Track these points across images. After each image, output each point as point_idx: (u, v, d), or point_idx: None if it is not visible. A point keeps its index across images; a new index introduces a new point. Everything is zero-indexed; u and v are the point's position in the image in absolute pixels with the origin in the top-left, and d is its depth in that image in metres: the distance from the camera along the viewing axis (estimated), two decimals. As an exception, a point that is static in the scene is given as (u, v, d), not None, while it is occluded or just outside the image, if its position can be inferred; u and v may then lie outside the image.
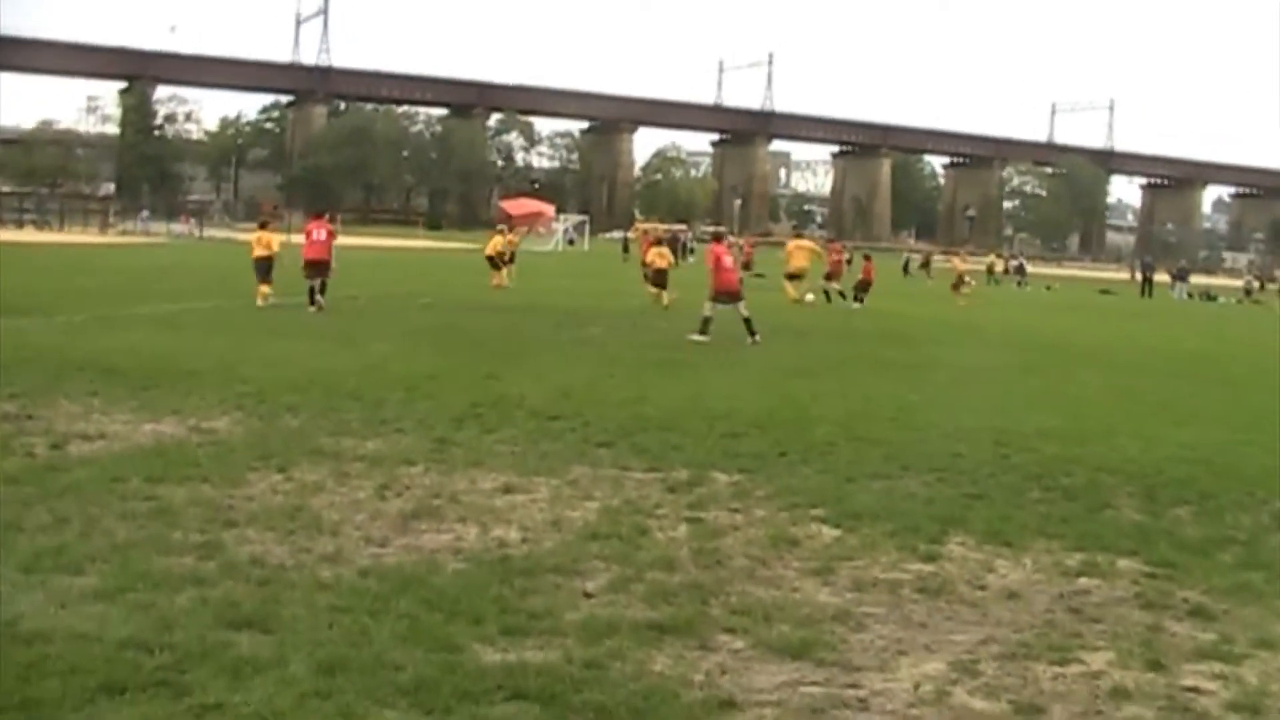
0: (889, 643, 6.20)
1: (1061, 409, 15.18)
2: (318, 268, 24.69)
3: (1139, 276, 68.91)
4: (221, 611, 5.96)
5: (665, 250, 31.90)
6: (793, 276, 34.51)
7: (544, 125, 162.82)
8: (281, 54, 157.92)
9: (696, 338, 21.33)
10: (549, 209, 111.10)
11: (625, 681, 5.39)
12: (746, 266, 43.39)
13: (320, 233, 25.44)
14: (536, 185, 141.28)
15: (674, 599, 6.62)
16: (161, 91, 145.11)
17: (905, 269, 71.41)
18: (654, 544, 7.75)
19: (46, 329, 18.52)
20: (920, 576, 7.35)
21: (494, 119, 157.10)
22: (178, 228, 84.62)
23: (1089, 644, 6.31)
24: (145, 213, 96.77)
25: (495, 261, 36.55)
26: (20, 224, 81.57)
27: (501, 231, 39.38)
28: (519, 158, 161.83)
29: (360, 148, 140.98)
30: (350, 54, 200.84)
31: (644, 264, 34.09)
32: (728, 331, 21.52)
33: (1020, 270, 70.67)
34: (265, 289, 24.92)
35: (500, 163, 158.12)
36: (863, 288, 35.45)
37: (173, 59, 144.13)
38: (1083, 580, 7.48)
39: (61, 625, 5.63)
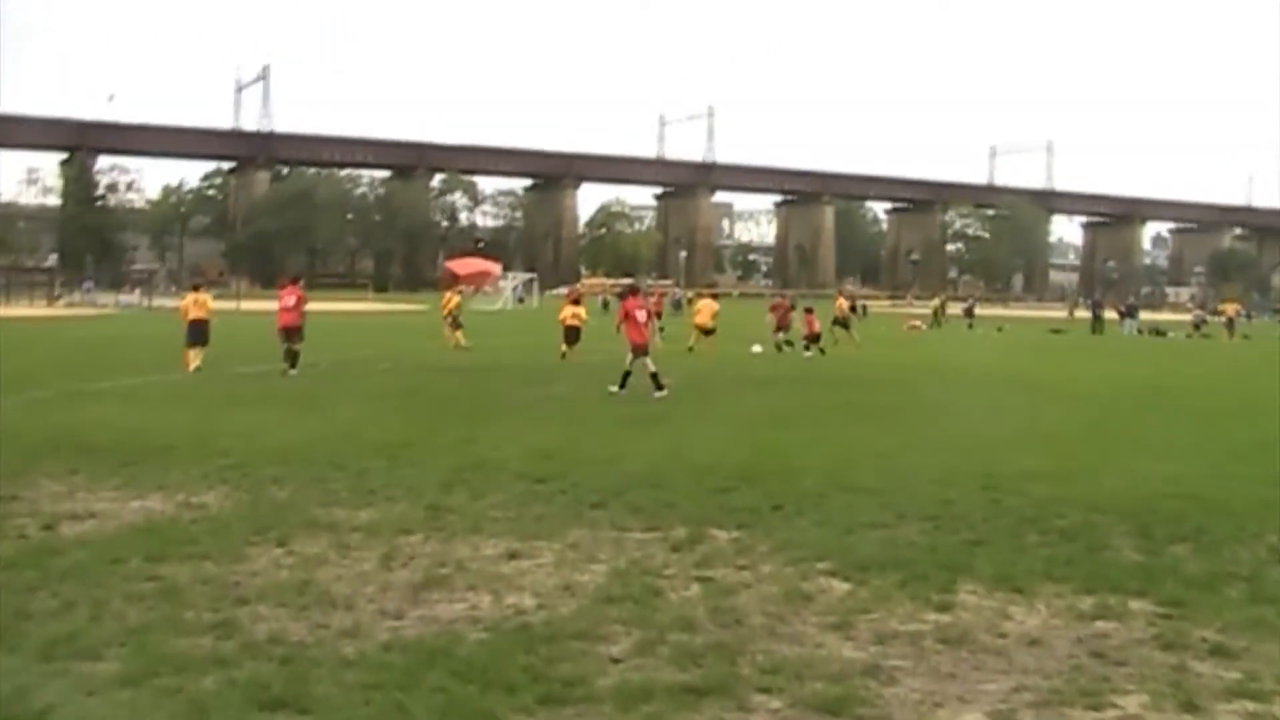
0: (923, 695, 6.19)
1: (1041, 448, 15.27)
2: (290, 334, 24.93)
3: (1089, 314, 69.45)
4: (252, 693, 5.89)
5: (579, 310, 32.94)
6: (705, 331, 35.27)
7: (487, 184, 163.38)
8: (223, 120, 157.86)
9: (614, 390, 21.52)
10: (495, 267, 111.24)
11: (673, 748, 5.37)
12: (657, 315, 43.71)
13: (290, 299, 25.47)
14: (481, 244, 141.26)
15: (701, 660, 6.59)
16: (102, 161, 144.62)
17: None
18: (669, 605, 7.71)
19: (13, 407, 18.29)
20: (939, 627, 7.35)
21: (437, 179, 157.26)
22: (124, 298, 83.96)
23: (1119, 687, 6.34)
24: (89, 284, 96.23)
25: (456, 320, 36.44)
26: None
27: (460, 291, 39.43)
28: (463, 217, 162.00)
29: (303, 212, 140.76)
30: (291, 119, 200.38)
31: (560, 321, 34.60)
32: (691, 384, 21.54)
33: (969, 312, 71.02)
34: (194, 354, 25.19)
35: (444, 223, 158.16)
36: (813, 339, 35.76)
37: (112, 128, 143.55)
38: (1099, 623, 7.50)
39: (93, 715, 5.54)
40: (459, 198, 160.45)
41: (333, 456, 13.47)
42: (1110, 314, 68.91)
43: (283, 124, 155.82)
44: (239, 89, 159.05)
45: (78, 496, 11.06)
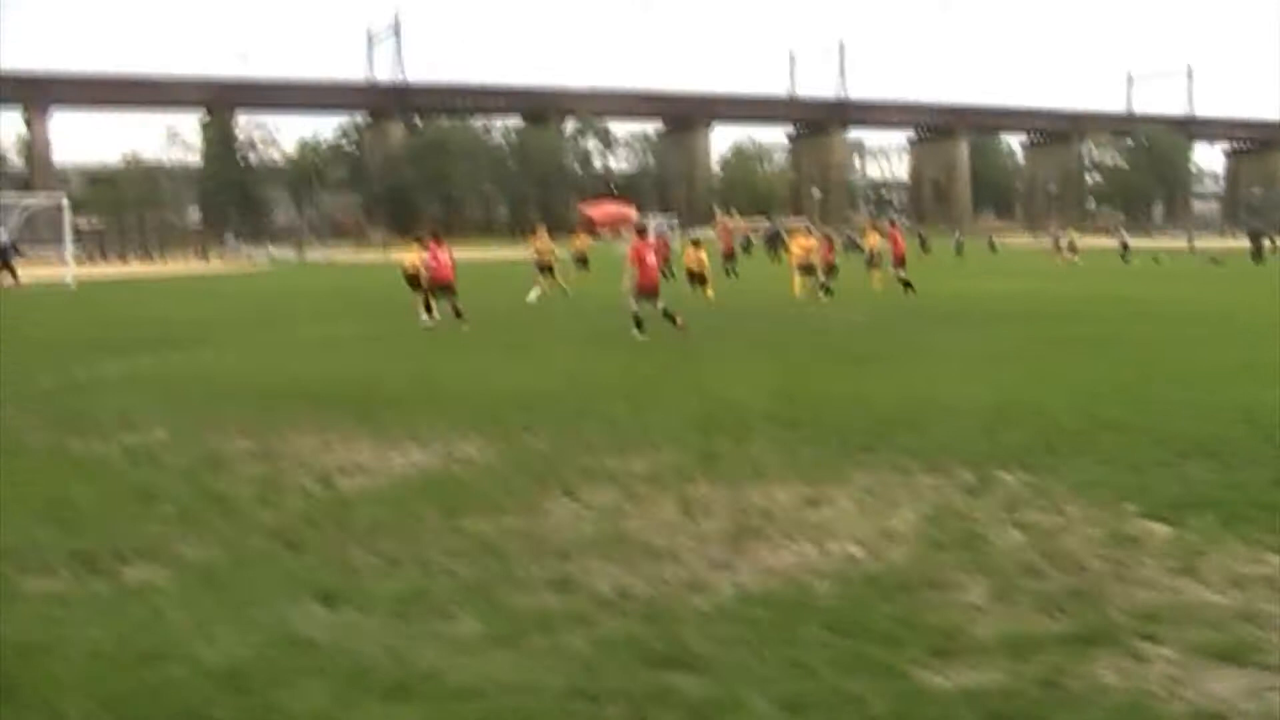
0: (1317, 640, 5.85)
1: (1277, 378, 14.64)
2: (449, 287, 24.73)
3: (1246, 244, 67.24)
4: (632, 651, 5.69)
5: (701, 253, 31.74)
6: (805, 269, 33.45)
7: (619, 128, 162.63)
8: (356, 73, 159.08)
9: (636, 334, 21.19)
10: (630, 211, 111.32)
11: (1094, 698, 5.10)
12: (665, 261, 43.22)
13: (443, 255, 25.27)
14: (615, 188, 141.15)
15: (1066, 608, 6.29)
16: (241, 118, 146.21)
17: (958, 250, 72.08)
18: (1000, 551, 7.40)
19: (223, 361, 18.49)
20: (1289, 568, 6.98)
21: (569, 124, 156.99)
22: (277, 252, 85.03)
23: None
24: (232, 238, 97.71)
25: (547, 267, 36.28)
26: (123, 257, 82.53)
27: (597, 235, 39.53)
28: (596, 161, 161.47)
29: (438, 161, 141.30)
30: (423, 69, 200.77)
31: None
32: (886, 319, 21.20)
33: (1124, 244, 69.21)
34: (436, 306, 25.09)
35: (578, 168, 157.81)
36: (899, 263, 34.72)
37: (250, 86, 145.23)
38: None
39: (487, 676, 5.39)
40: (592, 142, 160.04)
41: (572, 403, 13.34)
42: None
43: (415, 74, 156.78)
44: (371, 41, 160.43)
45: (335, 449, 11.00)
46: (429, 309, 24.41)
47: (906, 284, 32.77)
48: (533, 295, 32.54)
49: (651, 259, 22.45)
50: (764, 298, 32.36)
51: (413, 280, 25.51)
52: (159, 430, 12.18)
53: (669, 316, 21.51)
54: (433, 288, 24.87)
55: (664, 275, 38.18)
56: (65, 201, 50.83)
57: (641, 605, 6.41)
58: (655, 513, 8.47)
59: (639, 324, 21.42)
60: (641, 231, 24.22)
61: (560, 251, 36.70)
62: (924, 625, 6.02)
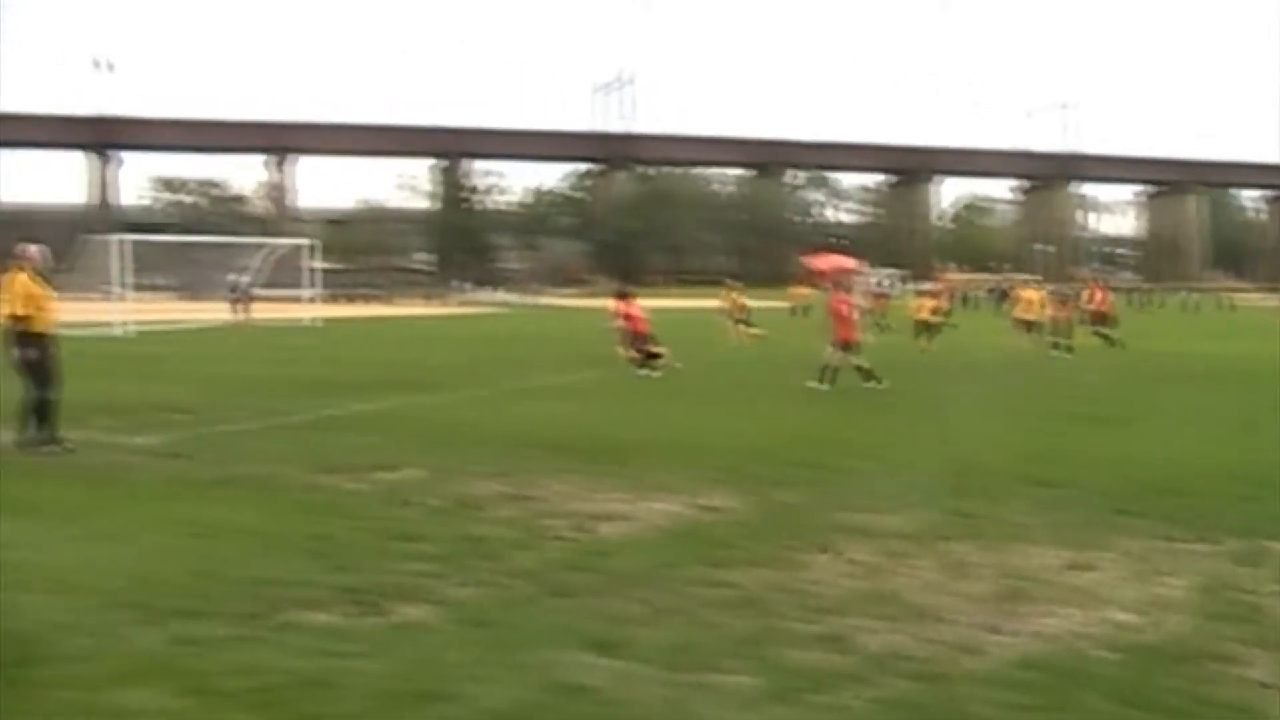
0: None
1: None
2: (645, 338, 25.34)
3: None
4: (915, 713, 5.62)
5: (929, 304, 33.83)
6: (1027, 325, 32.75)
7: (845, 179, 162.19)
8: (583, 123, 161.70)
9: (817, 385, 21.10)
10: (853, 263, 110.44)
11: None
12: (881, 314, 43.25)
13: (635, 309, 25.98)
14: (839, 240, 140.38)
15: (1360, 690, 6.00)
16: (472, 165, 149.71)
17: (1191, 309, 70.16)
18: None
19: (463, 405, 18.83)
20: None
21: (794, 175, 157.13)
22: (508, 296, 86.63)
23: None
24: (461, 283, 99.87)
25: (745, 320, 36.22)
26: (353, 299, 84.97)
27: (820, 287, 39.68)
28: (820, 213, 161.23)
29: (664, 211, 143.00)
30: (650, 119, 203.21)
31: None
32: (1121, 379, 20.63)
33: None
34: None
35: (802, 219, 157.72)
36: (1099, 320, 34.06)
37: (481, 134, 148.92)
38: None
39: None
40: (817, 194, 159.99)
41: (813, 457, 13.25)
42: None
43: (642, 125, 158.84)
44: (598, 92, 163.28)
45: (585, 497, 11.08)
46: (647, 359, 24.71)
47: (1108, 339, 32.31)
48: (734, 344, 32.90)
49: (849, 312, 22.40)
50: (990, 353, 31.77)
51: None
52: (411, 470, 12.43)
53: (863, 371, 21.45)
54: (631, 341, 25.47)
55: (879, 328, 38.36)
56: (310, 244, 52.78)
57: (915, 666, 6.31)
58: (917, 571, 8.33)
59: (824, 375, 21.37)
60: (840, 285, 24.13)
61: (750, 303, 36.67)
62: (1213, 700, 5.80)
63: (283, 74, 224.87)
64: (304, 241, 56.46)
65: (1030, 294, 33.79)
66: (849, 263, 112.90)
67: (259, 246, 53.97)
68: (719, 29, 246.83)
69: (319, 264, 54.87)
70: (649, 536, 9.42)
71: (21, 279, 14.11)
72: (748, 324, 36.00)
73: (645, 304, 25.86)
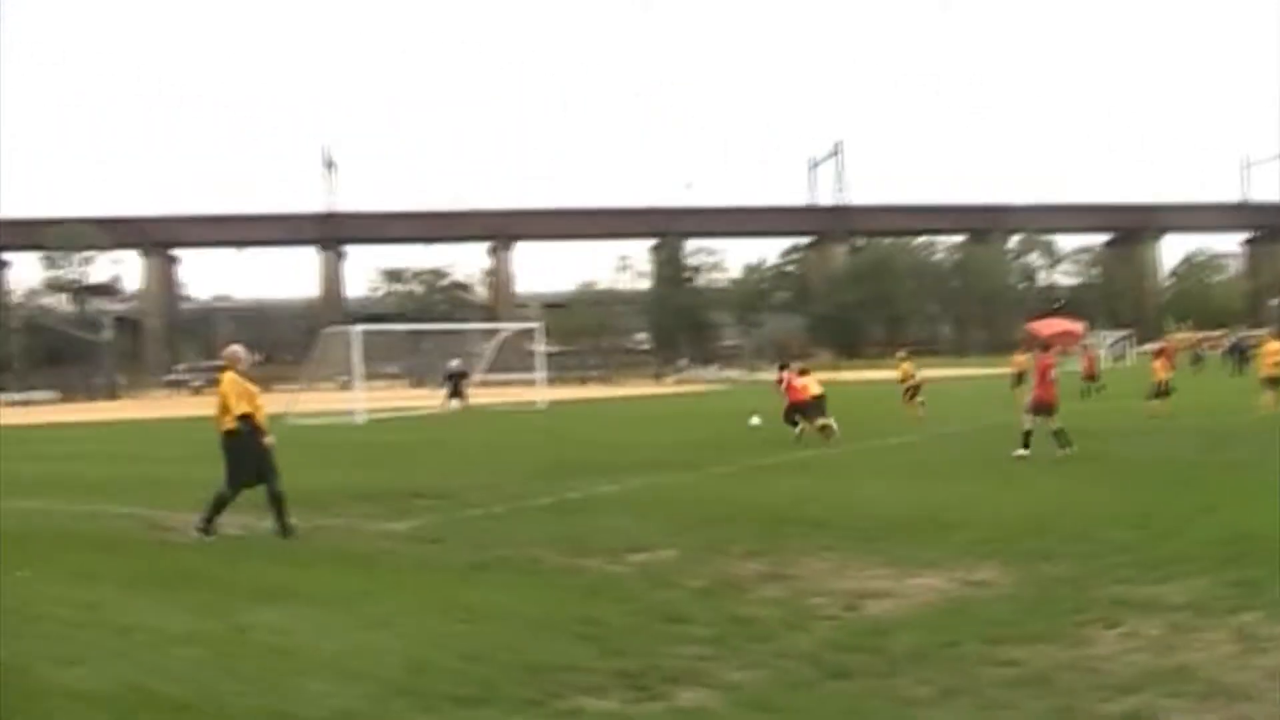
0: None
1: None
2: (802, 406, 27.25)
3: None
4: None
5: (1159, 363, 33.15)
6: (1275, 382, 31.00)
7: (1064, 241, 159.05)
8: (797, 197, 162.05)
9: (1020, 452, 20.92)
10: (1078, 326, 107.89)
11: None
12: (1091, 377, 41.47)
13: (796, 380, 27.80)
14: (1060, 303, 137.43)
15: None
16: (689, 244, 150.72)
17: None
18: None
19: (705, 483, 18.79)
20: None
21: (1013, 240, 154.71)
22: (728, 373, 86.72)
23: None
24: (682, 361, 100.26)
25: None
26: (582, 380, 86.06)
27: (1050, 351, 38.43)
28: (1041, 276, 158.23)
29: (881, 281, 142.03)
30: (864, 190, 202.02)
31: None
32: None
33: None
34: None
35: (1021, 284, 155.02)
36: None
37: (696, 213, 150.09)
38: None
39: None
40: (1036, 257, 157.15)
41: (1071, 527, 12.85)
42: None
43: (857, 196, 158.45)
44: (813, 166, 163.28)
45: (847, 574, 10.89)
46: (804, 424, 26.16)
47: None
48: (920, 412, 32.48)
49: (1054, 375, 22.06)
50: (1235, 414, 30.35)
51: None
52: (664, 551, 12.41)
53: (1059, 437, 21.12)
54: (791, 409, 27.18)
55: (1093, 386, 37.59)
56: (537, 327, 53.64)
57: (1236, 750, 5.96)
58: (1209, 645, 7.94)
59: (1027, 441, 21.11)
60: (1046, 348, 23.59)
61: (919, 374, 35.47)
62: None
63: (500, 165, 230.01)
64: (532, 325, 57.48)
65: (1277, 345, 32.21)
66: (1074, 326, 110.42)
67: (486, 332, 55.00)
68: (926, 95, 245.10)
69: (542, 347, 55.69)
70: (921, 614, 9.19)
71: (233, 378, 14.63)
72: (913, 395, 34.72)
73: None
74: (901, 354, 37.21)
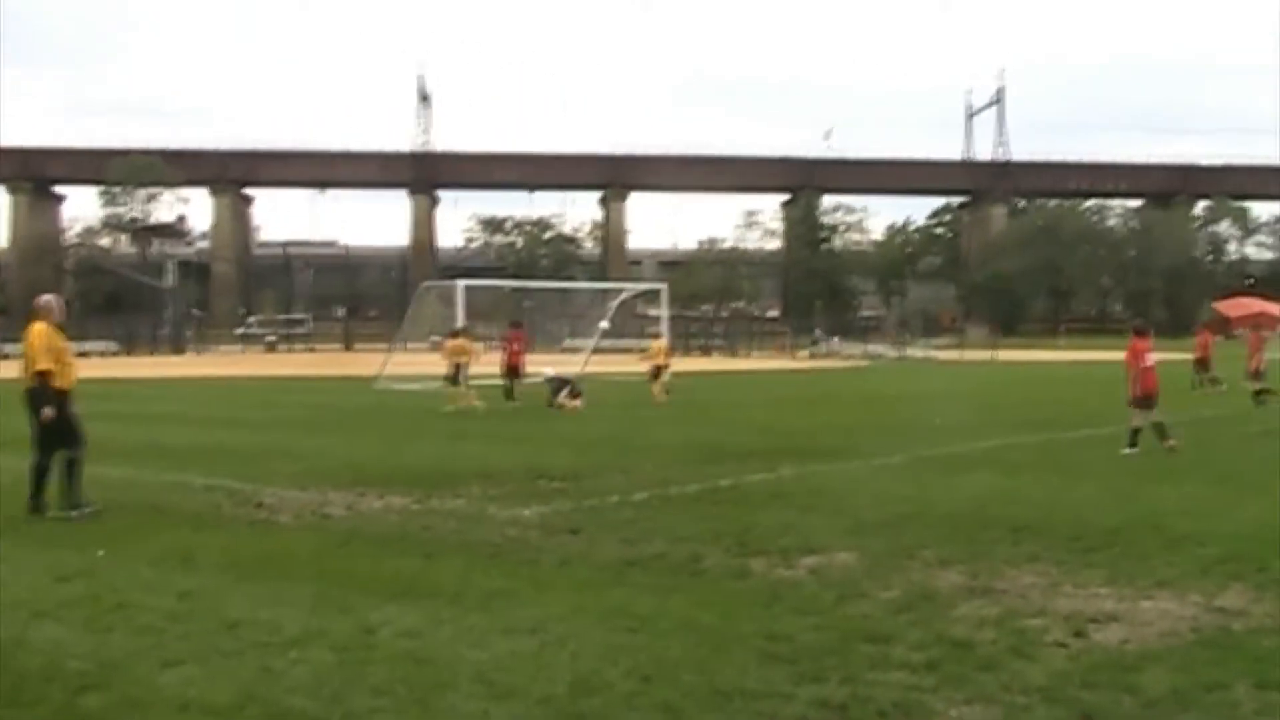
0: None
1: None
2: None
3: None
4: None
5: None
6: None
7: (1261, 209, 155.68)
8: (954, 150, 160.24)
9: (1127, 451, 20.82)
10: (1275, 307, 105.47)
11: None
12: (1203, 364, 39.31)
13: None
14: (1252, 280, 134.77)
15: None
16: (826, 201, 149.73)
17: None
18: None
19: (875, 475, 18.35)
20: None
21: (1200, 206, 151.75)
22: (874, 348, 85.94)
23: None
24: (819, 333, 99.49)
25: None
26: (705, 350, 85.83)
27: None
28: (1231, 249, 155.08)
29: (1047, 249, 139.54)
30: (1029, 145, 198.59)
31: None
32: None
33: None
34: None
35: (1210, 257, 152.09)
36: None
37: (837, 165, 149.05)
38: None
39: None
40: (1226, 226, 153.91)
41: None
42: None
43: (1020, 151, 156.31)
44: (970, 115, 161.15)
45: (1064, 591, 10.43)
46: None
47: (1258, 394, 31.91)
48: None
49: (1151, 361, 21.68)
50: None
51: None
52: (843, 554, 12.04)
53: (1160, 430, 21.05)
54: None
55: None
56: (661, 289, 53.28)
57: None
58: None
59: (1134, 438, 21.09)
60: (1141, 331, 22.71)
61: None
62: None
63: (616, 103, 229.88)
64: (655, 286, 57.16)
65: None
66: (1272, 307, 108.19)
67: (604, 292, 54.73)
68: (1098, 26, 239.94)
69: (648, 311, 55.37)
70: (1167, 647, 8.71)
71: (43, 329, 14.50)
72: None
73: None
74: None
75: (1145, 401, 21.43)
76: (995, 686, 7.70)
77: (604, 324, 49.44)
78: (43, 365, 14.28)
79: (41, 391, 14.31)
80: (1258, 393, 32.22)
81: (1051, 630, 9.12)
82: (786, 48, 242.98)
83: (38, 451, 14.48)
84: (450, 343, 32.89)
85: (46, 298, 14.96)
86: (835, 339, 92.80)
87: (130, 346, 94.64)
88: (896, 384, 48.94)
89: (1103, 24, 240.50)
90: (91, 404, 17.91)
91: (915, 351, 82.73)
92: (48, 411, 14.29)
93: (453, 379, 31.77)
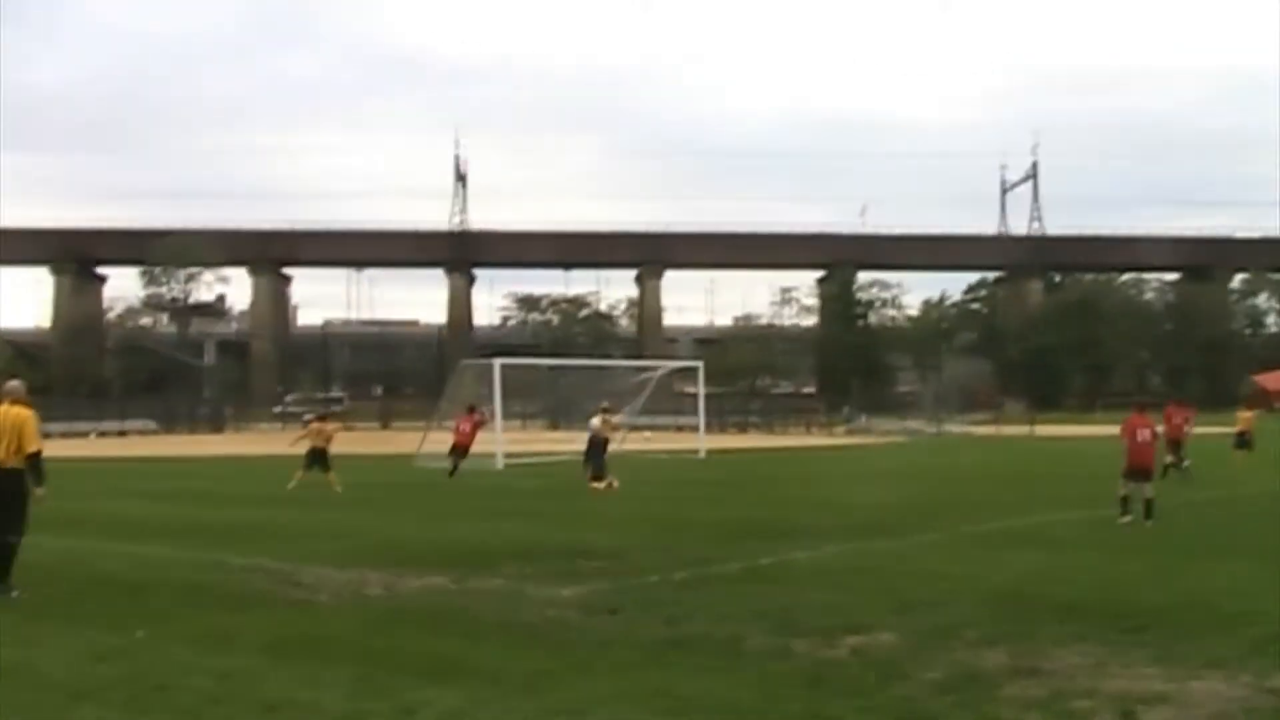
0: None
1: None
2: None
3: None
4: None
5: None
6: None
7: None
8: (987, 226, 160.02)
9: (1122, 520, 21.48)
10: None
11: None
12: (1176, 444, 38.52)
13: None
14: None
15: None
16: (862, 277, 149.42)
17: None
18: None
19: (918, 552, 18.24)
20: None
21: (1238, 279, 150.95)
22: (911, 424, 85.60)
23: None
24: (848, 410, 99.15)
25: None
26: (741, 428, 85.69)
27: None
28: (1270, 322, 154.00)
29: (1084, 323, 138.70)
30: (1061, 218, 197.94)
31: None
32: None
33: None
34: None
35: (1248, 330, 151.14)
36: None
37: (872, 241, 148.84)
38: None
39: None
40: (1265, 299, 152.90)
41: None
42: None
43: (1054, 224, 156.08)
44: (1005, 190, 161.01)
45: (1112, 671, 10.30)
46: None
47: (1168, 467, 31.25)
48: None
49: (1145, 436, 22.19)
50: None
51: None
52: (884, 633, 11.94)
53: (1150, 507, 21.56)
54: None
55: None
56: (697, 366, 53.28)
57: None
58: None
59: (1125, 507, 21.65)
60: (1141, 407, 23.51)
61: None
62: None
63: (650, 183, 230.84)
64: (692, 363, 57.18)
65: None
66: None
67: (640, 370, 54.70)
68: (1124, 108, 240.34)
69: (702, 389, 55.23)
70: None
71: (25, 414, 14.61)
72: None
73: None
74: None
75: (1133, 474, 21.97)
76: (1048, 770, 7.59)
77: (636, 403, 49.57)
78: (36, 446, 14.46)
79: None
80: None
81: (1100, 712, 9.01)
82: (818, 125, 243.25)
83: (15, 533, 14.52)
84: (315, 425, 33.06)
85: (13, 383, 15.07)
86: (863, 416, 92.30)
87: (169, 425, 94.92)
88: (935, 460, 48.73)
89: (1136, 95, 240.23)
90: (130, 482, 17.99)
91: (952, 427, 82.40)
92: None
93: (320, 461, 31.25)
